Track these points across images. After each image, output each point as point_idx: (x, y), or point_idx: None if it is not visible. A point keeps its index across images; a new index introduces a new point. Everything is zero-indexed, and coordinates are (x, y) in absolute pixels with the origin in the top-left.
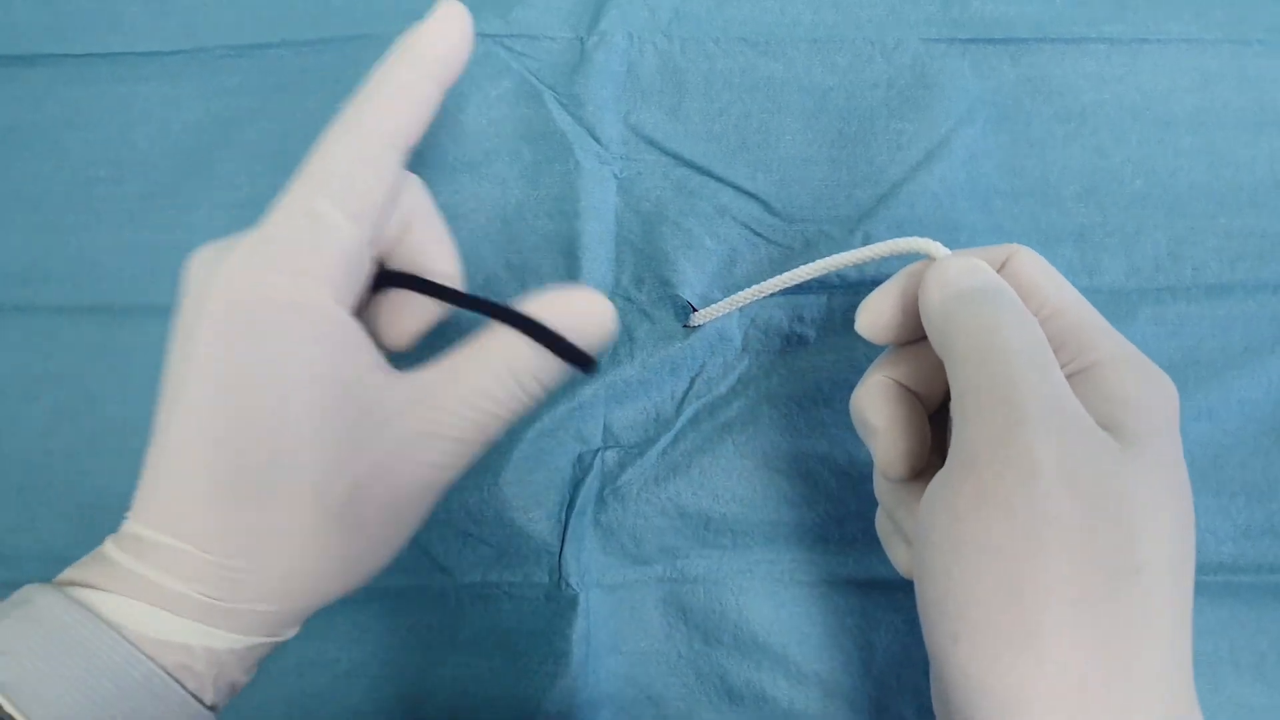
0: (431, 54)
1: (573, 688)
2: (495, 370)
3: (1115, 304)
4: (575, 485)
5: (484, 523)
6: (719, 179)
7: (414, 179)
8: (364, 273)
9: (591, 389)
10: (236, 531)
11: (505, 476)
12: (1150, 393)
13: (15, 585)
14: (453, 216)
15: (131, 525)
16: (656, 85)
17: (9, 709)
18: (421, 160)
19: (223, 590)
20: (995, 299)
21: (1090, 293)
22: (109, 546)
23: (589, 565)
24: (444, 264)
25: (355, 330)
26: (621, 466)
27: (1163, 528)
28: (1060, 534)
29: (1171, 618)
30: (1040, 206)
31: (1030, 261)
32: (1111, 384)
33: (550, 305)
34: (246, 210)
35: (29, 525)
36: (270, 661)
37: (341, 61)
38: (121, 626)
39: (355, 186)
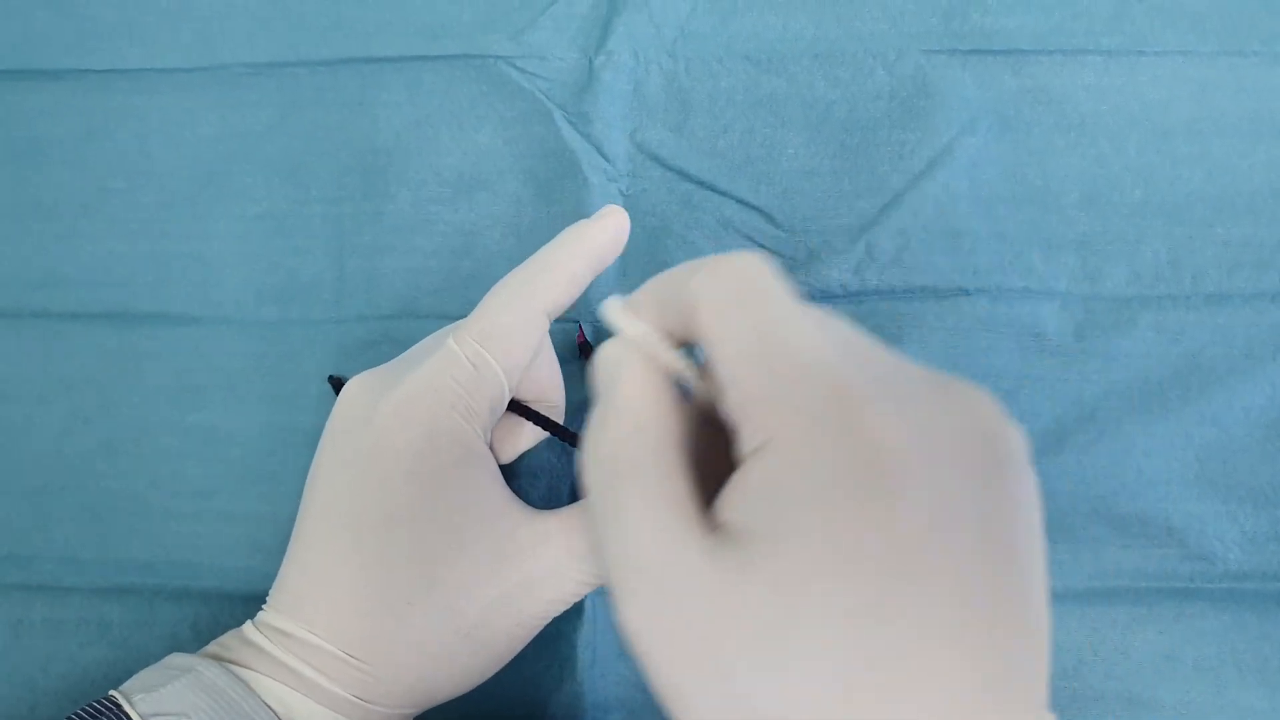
0: (596, 247)
1: (579, 692)
2: None
3: (1117, 311)
4: (579, 498)
5: None
6: (722, 193)
7: None
8: (502, 410)
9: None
10: (378, 641)
11: (511, 484)
12: (799, 489)
13: (30, 586)
14: (470, 233)
15: (275, 618)
16: (662, 103)
17: None
18: (441, 179)
19: (357, 688)
20: (595, 421)
21: (1093, 300)
22: (252, 632)
23: None
24: (553, 395)
25: (496, 469)
26: None
27: (777, 657)
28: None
29: None
30: (1042, 214)
31: (708, 317)
32: (752, 480)
33: None
34: (262, 223)
35: (43, 527)
36: None
37: (358, 82)
38: (273, 706)
39: (514, 346)
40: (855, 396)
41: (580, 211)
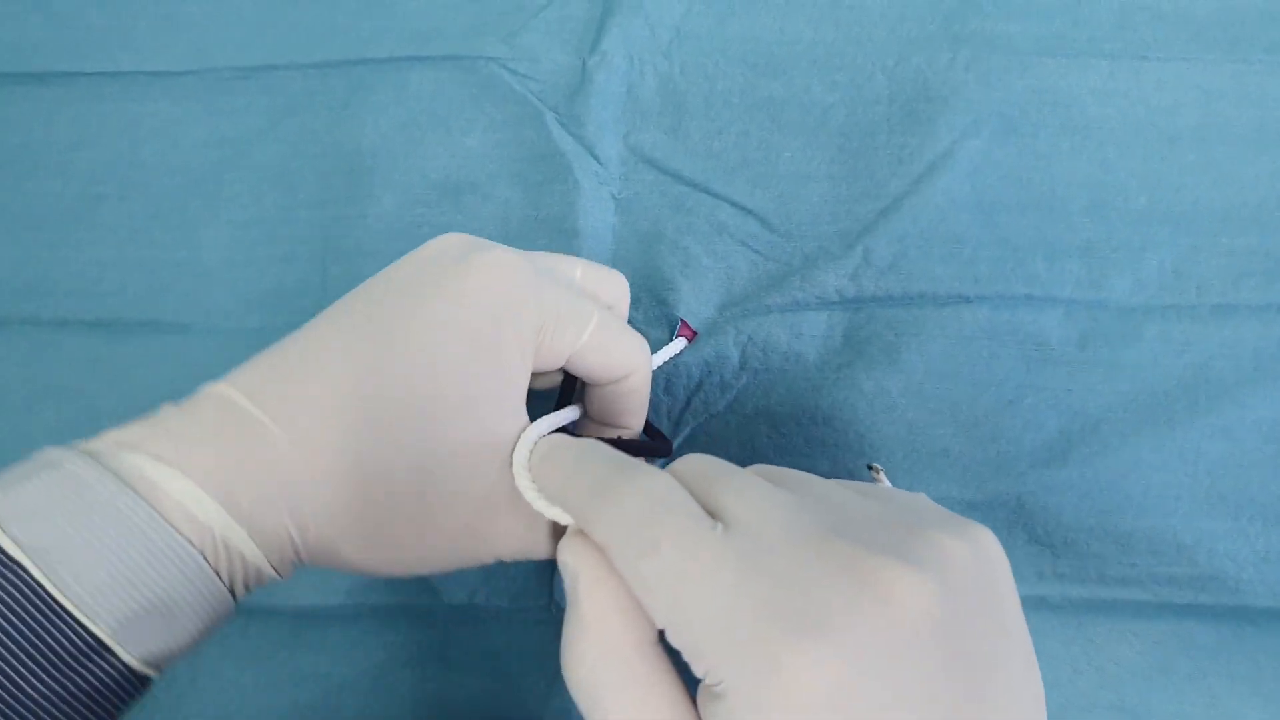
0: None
1: (566, 709)
2: None
3: (1122, 321)
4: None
5: None
6: (717, 196)
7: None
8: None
9: None
10: (331, 459)
11: None
12: None
13: None
14: None
15: (233, 392)
16: (656, 106)
17: (37, 575)
18: (428, 182)
19: (280, 499)
20: (566, 637)
21: (1097, 308)
22: (170, 413)
23: None
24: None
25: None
26: None
27: None
28: None
29: None
30: (1047, 220)
31: (622, 568)
32: (716, 710)
33: None
34: (251, 229)
35: None
36: (265, 671)
37: (346, 84)
38: (150, 498)
39: (600, 363)
40: (772, 636)
41: (570, 215)
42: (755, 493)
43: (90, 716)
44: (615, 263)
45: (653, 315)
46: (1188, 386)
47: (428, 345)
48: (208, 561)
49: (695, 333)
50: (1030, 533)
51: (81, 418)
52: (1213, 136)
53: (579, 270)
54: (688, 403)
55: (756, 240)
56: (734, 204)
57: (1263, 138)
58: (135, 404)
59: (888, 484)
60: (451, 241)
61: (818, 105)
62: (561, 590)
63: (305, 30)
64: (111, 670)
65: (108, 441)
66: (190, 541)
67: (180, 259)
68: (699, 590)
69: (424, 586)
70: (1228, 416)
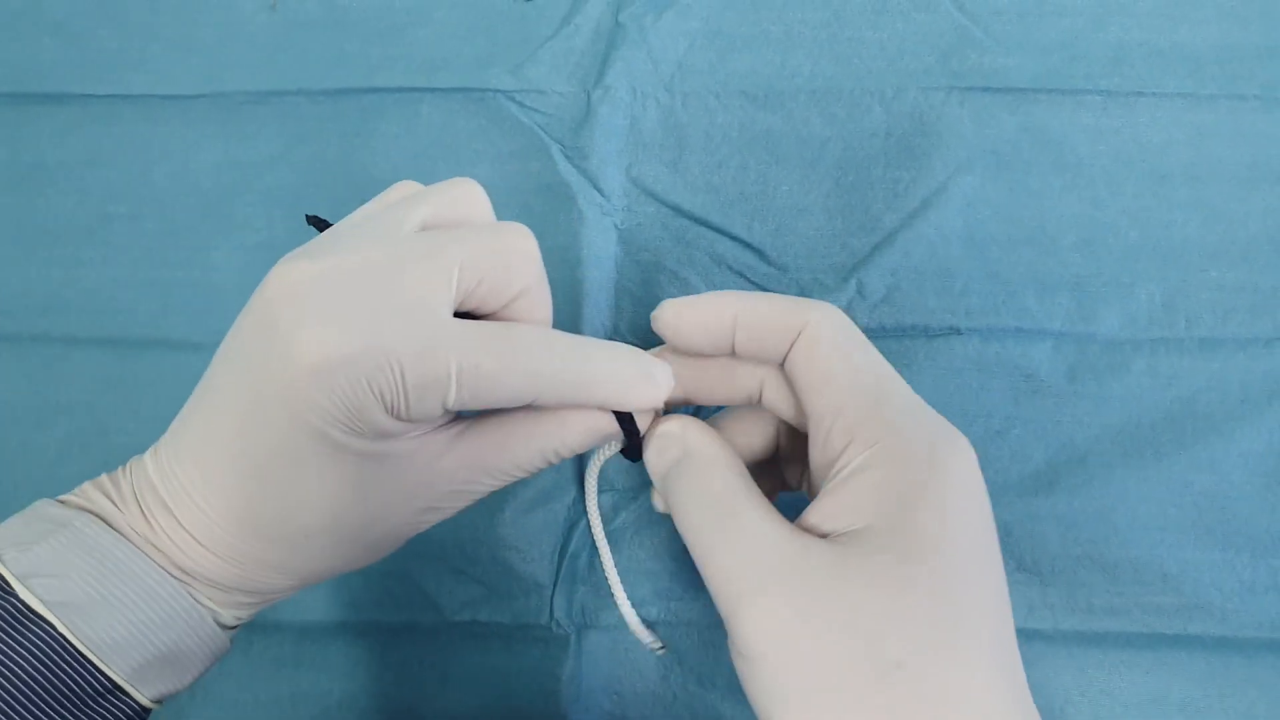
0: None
1: None
2: (541, 448)
3: (1110, 354)
4: (570, 528)
5: (477, 561)
6: (716, 229)
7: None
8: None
9: None
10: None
11: (501, 517)
12: (900, 504)
13: None
14: None
15: (163, 466)
16: (658, 139)
17: (61, 629)
18: None
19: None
20: (676, 480)
21: (1086, 341)
22: (147, 492)
23: (582, 607)
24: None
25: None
26: (616, 510)
27: (908, 627)
28: (797, 660)
29: (962, 692)
30: (1037, 255)
31: (824, 352)
32: (858, 491)
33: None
34: (262, 252)
35: None
36: (264, 690)
37: (359, 113)
38: (157, 558)
39: (488, 392)
40: (936, 438)
41: (574, 245)
42: None
43: None
44: (618, 292)
45: (653, 342)
46: (1175, 419)
47: (309, 452)
48: (207, 610)
49: None
50: (1019, 561)
51: (91, 434)
52: (1204, 174)
53: (423, 212)
54: None
55: (753, 272)
56: (732, 237)
57: (1254, 175)
58: (145, 421)
59: None
60: (281, 302)
61: (815, 138)
62: (564, 609)
63: (315, 56)
64: (124, 708)
65: (85, 498)
66: (195, 599)
67: (191, 279)
68: (893, 385)
69: (427, 604)
70: (1214, 449)
